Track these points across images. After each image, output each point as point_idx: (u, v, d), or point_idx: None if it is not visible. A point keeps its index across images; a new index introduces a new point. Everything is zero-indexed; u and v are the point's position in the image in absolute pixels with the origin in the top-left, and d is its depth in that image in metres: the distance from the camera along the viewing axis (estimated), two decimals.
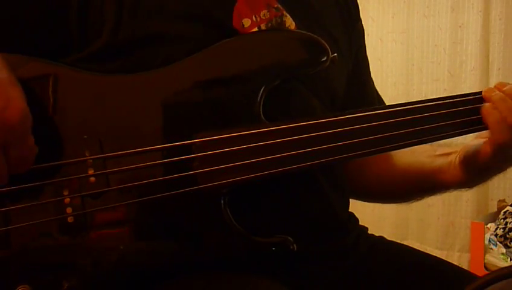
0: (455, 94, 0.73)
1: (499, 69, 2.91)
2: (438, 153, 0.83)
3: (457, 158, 0.79)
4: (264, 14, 0.70)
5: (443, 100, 0.71)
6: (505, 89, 0.70)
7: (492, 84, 2.80)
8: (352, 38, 0.84)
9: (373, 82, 0.94)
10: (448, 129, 0.70)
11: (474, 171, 0.77)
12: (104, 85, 0.64)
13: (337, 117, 0.66)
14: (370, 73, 0.94)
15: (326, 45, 0.67)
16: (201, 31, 0.67)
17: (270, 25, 0.70)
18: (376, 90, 0.95)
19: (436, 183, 0.82)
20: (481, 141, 0.73)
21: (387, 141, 0.68)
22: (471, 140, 0.78)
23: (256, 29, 0.69)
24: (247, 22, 0.69)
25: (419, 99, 0.71)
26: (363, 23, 0.90)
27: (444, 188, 0.83)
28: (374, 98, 0.92)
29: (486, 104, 0.71)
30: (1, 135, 0.53)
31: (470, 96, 0.72)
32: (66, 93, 0.62)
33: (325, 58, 0.66)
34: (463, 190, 0.82)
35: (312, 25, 0.74)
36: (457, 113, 0.71)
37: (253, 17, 0.69)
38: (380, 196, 0.94)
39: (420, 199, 0.88)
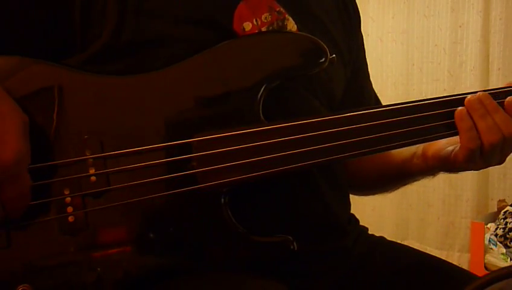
0: (454, 94, 0.73)
1: (499, 69, 2.91)
2: None
3: (421, 149, 0.79)
4: (265, 17, 0.70)
5: (437, 99, 0.71)
6: (487, 102, 0.69)
7: (492, 84, 2.79)
8: (352, 44, 0.85)
9: (372, 87, 0.94)
10: (442, 129, 0.70)
11: (441, 169, 0.78)
12: (105, 86, 0.64)
13: (336, 116, 0.67)
14: (369, 78, 0.94)
15: (325, 46, 0.67)
16: (202, 34, 0.67)
17: (271, 28, 0.70)
18: (375, 94, 0.95)
19: (404, 173, 0.84)
20: (451, 146, 0.73)
21: (386, 141, 0.68)
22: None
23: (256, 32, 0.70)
24: (247, 26, 0.69)
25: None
26: (363, 23, 0.91)
27: (410, 177, 0.85)
28: (371, 104, 0.92)
29: (460, 108, 0.69)
30: None
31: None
32: (67, 94, 0.62)
33: (323, 59, 0.67)
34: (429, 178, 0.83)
35: (313, 28, 0.74)
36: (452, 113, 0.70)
37: (254, 21, 0.70)
38: (359, 186, 0.95)
39: (394, 189, 0.90)
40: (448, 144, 0.75)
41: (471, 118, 0.68)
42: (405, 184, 0.88)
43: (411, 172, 0.83)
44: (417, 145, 0.78)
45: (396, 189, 0.90)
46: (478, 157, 0.70)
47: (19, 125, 0.55)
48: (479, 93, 0.70)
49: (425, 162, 0.79)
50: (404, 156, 0.83)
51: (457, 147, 0.71)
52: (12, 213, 0.57)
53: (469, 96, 0.69)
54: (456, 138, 0.71)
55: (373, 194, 0.96)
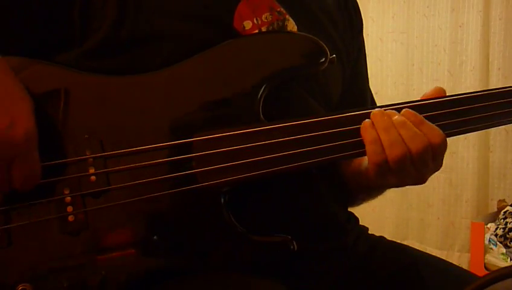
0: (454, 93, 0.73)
1: (499, 69, 2.91)
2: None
3: (352, 166, 0.77)
4: (266, 17, 0.70)
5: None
6: (393, 116, 0.65)
7: (492, 84, 2.79)
8: (351, 45, 0.85)
9: (371, 92, 0.94)
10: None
11: (363, 183, 0.75)
12: (105, 86, 0.64)
13: (336, 116, 0.67)
14: (368, 81, 0.94)
15: (325, 46, 0.67)
16: (202, 31, 0.67)
17: (271, 28, 0.71)
18: (372, 97, 0.94)
19: (364, 186, 0.80)
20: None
21: None
22: None
23: (257, 31, 0.70)
24: (248, 24, 0.69)
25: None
26: (363, 23, 0.91)
27: (374, 191, 0.83)
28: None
29: (366, 121, 0.65)
30: (6, 152, 0.55)
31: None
32: (67, 94, 0.63)
33: (323, 59, 0.67)
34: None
35: (313, 29, 0.74)
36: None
37: (255, 20, 0.70)
38: None
39: (364, 202, 0.87)
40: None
41: (376, 130, 0.64)
42: (372, 197, 0.85)
43: (369, 186, 0.80)
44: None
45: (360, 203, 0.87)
46: (388, 173, 0.66)
47: (29, 107, 0.57)
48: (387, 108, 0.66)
49: (355, 178, 0.77)
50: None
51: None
52: (22, 190, 0.58)
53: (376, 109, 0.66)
54: None
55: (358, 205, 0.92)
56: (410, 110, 0.66)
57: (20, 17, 0.66)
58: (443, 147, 0.66)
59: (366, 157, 0.67)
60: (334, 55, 0.68)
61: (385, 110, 0.66)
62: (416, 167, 0.65)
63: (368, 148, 0.65)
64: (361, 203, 0.88)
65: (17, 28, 0.66)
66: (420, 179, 0.68)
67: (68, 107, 0.62)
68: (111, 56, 0.65)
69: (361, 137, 0.65)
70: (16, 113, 0.56)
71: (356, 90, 0.88)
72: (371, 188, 0.80)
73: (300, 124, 0.65)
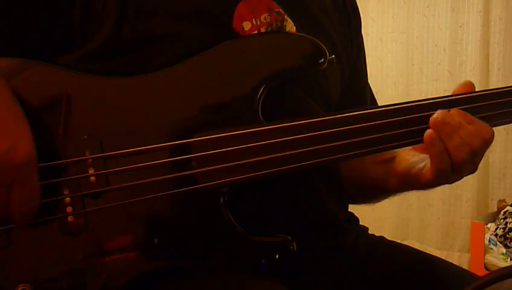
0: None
1: (499, 69, 2.92)
2: (379, 159, 0.83)
3: (395, 168, 0.78)
4: (265, 18, 0.70)
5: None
6: (449, 120, 0.67)
7: (492, 84, 2.79)
8: (350, 45, 0.85)
9: (370, 89, 0.94)
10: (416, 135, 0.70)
11: (412, 187, 0.78)
12: (105, 87, 0.64)
13: (335, 116, 0.67)
14: (368, 80, 0.94)
15: (324, 47, 0.67)
16: (202, 33, 0.67)
17: (270, 28, 0.71)
18: (372, 95, 0.94)
19: (379, 189, 0.84)
20: (422, 162, 0.72)
21: (385, 141, 0.68)
22: (407, 151, 0.77)
23: (256, 32, 0.70)
24: (247, 25, 0.69)
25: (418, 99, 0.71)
26: (363, 23, 0.91)
27: (385, 194, 0.85)
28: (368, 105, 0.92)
29: (428, 131, 0.67)
30: (6, 175, 0.55)
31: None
32: (67, 95, 0.63)
33: (322, 60, 0.67)
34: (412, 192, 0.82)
35: (312, 29, 0.74)
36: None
37: (254, 21, 0.70)
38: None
39: (375, 202, 0.90)
40: (419, 162, 0.74)
41: (441, 139, 0.67)
42: (384, 198, 0.88)
43: (386, 189, 0.83)
44: (387, 165, 0.79)
45: (377, 201, 0.90)
46: (450, 174, 0.69)
47: (29, 129, 0.57)
48: (439, 112, 0.67)
49: (397, 180, 0.79)
50: (379, 173, 0.83)
51: (428, 166, 0.70)
52: (20, 217, 0.57)
53: (433, 116, 0.67)
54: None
55: (355, 203, 0.94)
56: (459, 110, 0.68)
57: (20, 18, 0.66)
58: (492, 139, 0.70)
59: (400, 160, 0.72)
60: (333, 56, 0.68)
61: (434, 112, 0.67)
62: (474, 162, 0.69)
63: (435, 159, 0.67)
64: (364, 203, 0.91)
65: (17, 29, 0.66)
66: (474, 170, 0.72)
67: (67, 108, 0.62)
68: (111, 58, 0.65)
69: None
70: (17, 136, 0.55)
71: (356, 89, 0.89)
72: (399, 191, 0.82)
73: (299, 124, 0.65)
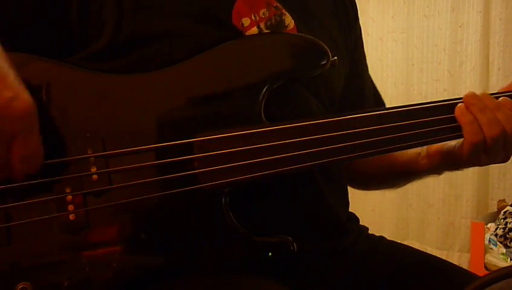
0: (454, 97, 0.73)
1: (499, 69, 2.91)
2: None
3: (428, 148, 0.81)
4: (263, 13, 0.70)
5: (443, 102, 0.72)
6: (485, 99, 0.71)
7: (492, 84, 2.78)
8: (349, 37, 0.85)
9: (371, 79, 0.94)
10: (447, 132, 0.71)
11: (446, 165, 0.80)
12: (108, 84, 0.64)
13: (339, 118, 0.67)
14: (367, 71, 0.94)
15: (327, 48, 0.67)
16: (201, 30, 0.67)
17: (269, 23, 0.71)
18: (374, 86, 0.95)
19: (409, 171, 0.85)
20: (454, 142, 0.74)
21: (389, 143, 0.68)
22: None
23: (255, 27, 0.70)
24: (246, 21, 0.69)
25: (419, 100, 0.71)
26: (363, 23, 0.91)
27: (416, 176, 0.86)
28: (370, 98, 0.92)
29: (459, 104, 0.71)
30: (8, 125, 0.53)
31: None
32: (70, 92, 0.63)
33: (325, 62, 0.67)
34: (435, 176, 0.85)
35: (310, 23, 0.74)
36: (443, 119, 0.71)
37: (252, 16, 0.70)
38: (365, 182, 0.97)
39: (401, 186, 0.92)
40: (452, 141, 0.75)
41: (471, 112, 0.69)
42: (411, 181, 0.90)
43: (417, 171, 0.84)
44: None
45: (403, 185, 0.92)
46: (481, 152, 0.71)
47: (25, 87, 0.56)
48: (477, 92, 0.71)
49: (430, 160, 0.80)
50: (410, 155, 0.84)
51: (460, 142, 0.72)
52: (21, 176, 0.56)
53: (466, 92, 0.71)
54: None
55: (380, 189, 0.98)
56: (505, 97, 0.71)
57: (17, 22, 0.66)
58: None
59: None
60: (336, 58, 0.68)
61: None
62: (506, 147, 0.71)
63: (467, 128, 0.69)
64: (390, 188, 0.94)
65: (13, 33, 0.66)
66: (506, 158, 0.74)
67: (70, 105, 0.62)
68: (112, 59, 0.65)
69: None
70: (18, 88, 0.54)
71: (357, 80, 0.89)
72: (429, 172, 0.84)
73: (302, 125, 0.65)
